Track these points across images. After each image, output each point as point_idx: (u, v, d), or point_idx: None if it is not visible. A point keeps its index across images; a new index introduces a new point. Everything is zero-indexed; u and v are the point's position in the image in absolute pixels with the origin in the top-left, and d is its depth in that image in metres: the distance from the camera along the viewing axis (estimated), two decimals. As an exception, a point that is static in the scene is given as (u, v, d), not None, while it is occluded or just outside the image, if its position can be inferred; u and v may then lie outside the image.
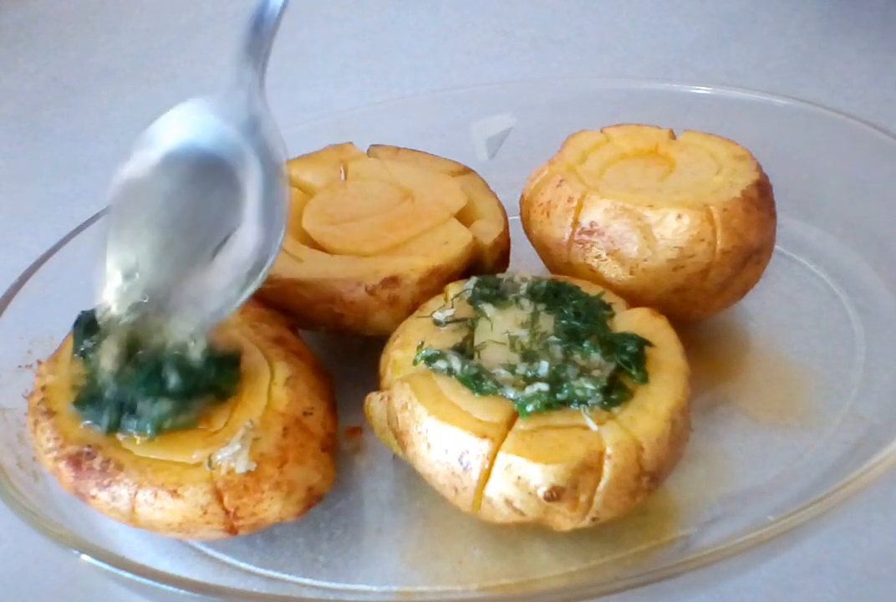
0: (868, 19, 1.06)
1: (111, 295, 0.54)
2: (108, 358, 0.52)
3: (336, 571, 0.53)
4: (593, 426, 0.48)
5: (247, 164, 0.54)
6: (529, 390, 0.49)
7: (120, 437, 0.51)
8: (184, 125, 0.56)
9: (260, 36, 0.56)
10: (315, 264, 0.61)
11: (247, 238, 0.53)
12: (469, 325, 0.55)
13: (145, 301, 0.53)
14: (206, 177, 0.55)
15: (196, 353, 0.52)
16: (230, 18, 1.17)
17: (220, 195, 0.54)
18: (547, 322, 0.54)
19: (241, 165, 0.54)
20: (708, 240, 0.58)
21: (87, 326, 0.56)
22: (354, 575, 0.53)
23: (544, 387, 0.49)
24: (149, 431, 0.50)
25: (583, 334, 0.52)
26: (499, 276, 0.58)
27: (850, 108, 0.74)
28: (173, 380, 0.51)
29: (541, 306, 0.55)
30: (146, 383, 0.51)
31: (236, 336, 0.56)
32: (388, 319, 0.60)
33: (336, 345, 0.67)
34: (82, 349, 0.54)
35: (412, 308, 0.59)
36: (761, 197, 0.60)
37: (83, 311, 0.57)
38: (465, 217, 0.66)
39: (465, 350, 0.53)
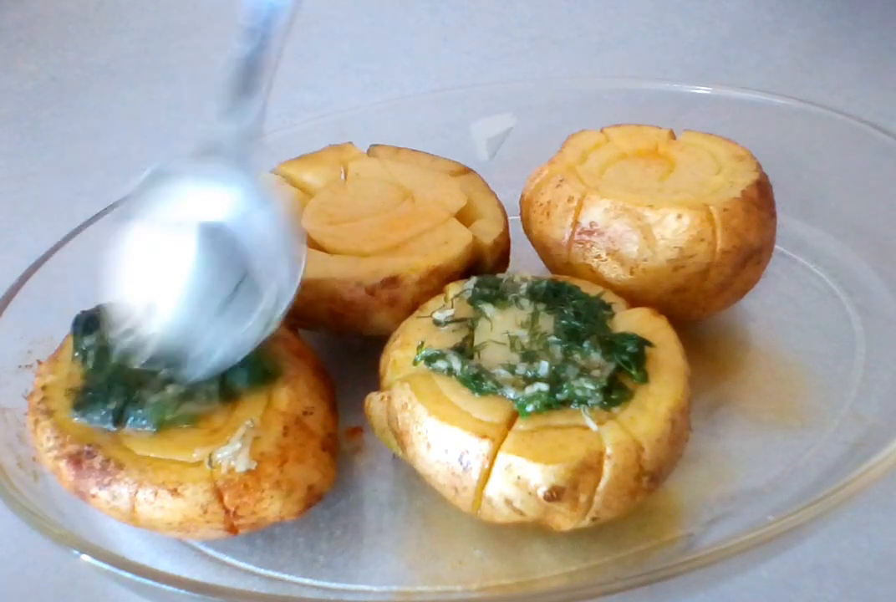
0: (868, 19, 1.06)
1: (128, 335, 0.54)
2: (122, 350, 0.53)
3: (336, 571, 0.53)
4: (593, 426, 0.48)
5: (257, 237, 0.53)
6: (529, 390, 0.49)
7: (125, 429, 0.51)
8: (183, 202, 0.53)
9: (256, 73, 0.50)
10: (315, 264, 0.61)
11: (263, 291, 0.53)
12: (469, 325, 0.55)
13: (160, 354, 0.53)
14: (213, 247, 0.53)
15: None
16: (230, 18, 1.17)
17: (226, 257, 0.53)
18: (547, 322, 0.54)
19: (250, 240, 0.53)
20: (708, 240, 0.58)
21: (87, 326, 0.56)
22: (354, 575, 0.53)
23: (544, 387, 0.49)
24: (153, 418, 0.50)
25: (583, 334, 0.52)
26: (499, 276, 0.58)
27: (850, 108, 0.74)
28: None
29: (541, 306, 0.55)
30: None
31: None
32: (388, 319, 0.60)
33: (336, 345, 0.67)
34: (83, 348, 0.55)
35: (412, 308, 0.59)
36: (761, 197, 0.60)
37: (83, 311, 0.57)
38: (465, 217, 0.66)
39: (465, 350, 0.53)
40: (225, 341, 0.52)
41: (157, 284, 0.54)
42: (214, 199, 0.53)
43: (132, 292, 0.54)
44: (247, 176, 0.53)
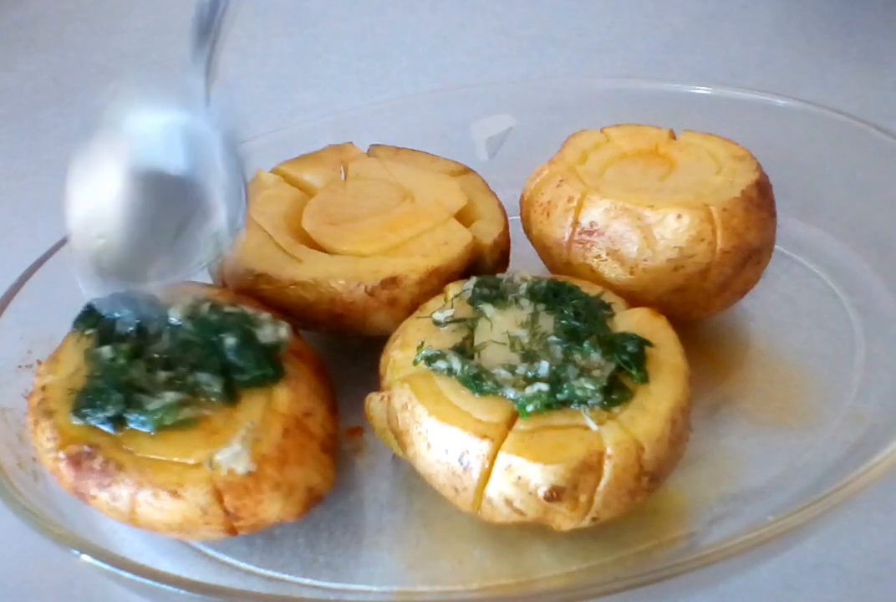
0: (868, 20, 1.06)
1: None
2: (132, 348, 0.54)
3: (336, 571, 0.53)
4: (593, 426, 0.48)
5: (209, 165, 0.56)
6: (529, 390, 0.49)
7: (129, 425, 0.51)
8: (139, 135, 0.57)
9: (205, 35, 0.58)
10: (315, 265, 0.61)
11: (212, 218, 0.56)
12: (469, 325, 0.55)
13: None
14: (165, 175, 0.57)
15: (263, 333, 0.55)
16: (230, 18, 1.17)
17: (182, 186, 0.57)
18: (547, 322, 0.54)
19: (204, 169, 0.57)
20: (708, 240, 0.58)
21: (88, 323, 0.56)
22: (354, 575, 0.53)
23: (544, 387, 0.49)
24: (152, 424, 0.50)
25: (583, 334, 0.52)
26: (499, 276, 0.58)
27: (850, 108, 0.74)
28: (230, 341, 0.53)
29: (541, 306, 0.55)
30: (204, 340, 0.54)
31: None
32: (387, 320, 0.60)
33: (336, 345, 0.67)
34: (85, 348, 0.55)
35: (412, 308, 0.59)
36: (761, 197, 0.60)
37: (84, 309, 0.57)
38: (465, 217, 0.66)
39: (465, 350, 0.53)
40: (172, 266, 0.56)
41: (109, 207, 0.57)
42: (169, 124, 0.57)
43: (90, 208, 0.57)
44: (198, 106, 0.57)
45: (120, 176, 0.57)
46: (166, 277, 0.56)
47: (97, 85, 1.14)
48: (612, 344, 0.51)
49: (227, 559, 0.54)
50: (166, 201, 0.57)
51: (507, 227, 0.66)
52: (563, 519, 0.49)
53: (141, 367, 0.53)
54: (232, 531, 0.51)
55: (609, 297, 0.57)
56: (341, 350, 0.67)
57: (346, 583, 0.53)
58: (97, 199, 0.57)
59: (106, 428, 0.51)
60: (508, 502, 0.48)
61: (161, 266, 0.56)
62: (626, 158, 0.66)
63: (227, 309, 0.56)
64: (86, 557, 0.48)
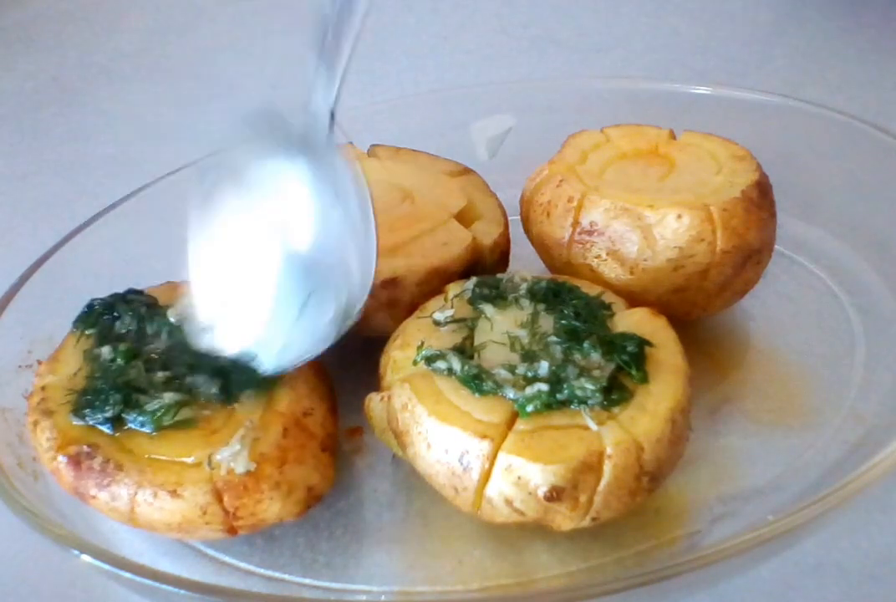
0: (868, 19, 1.06)
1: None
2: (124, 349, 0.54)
3: (336, 571, 0.53)
4: (593, 426, 0.48)
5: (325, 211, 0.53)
6: (529, 390, 0.49)
7: (128, 425, 0.51)
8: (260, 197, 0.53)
9: (332, 49, 0.50)
10: (315, 264, 0.61)
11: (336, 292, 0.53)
12: (469, 325, 0.55)
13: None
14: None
15: None
16: (230, 19, 1.17)
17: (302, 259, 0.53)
18: (547, 322, 0.54)
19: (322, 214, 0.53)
20: (708, 240, 0.58)
21: (88, 323, 0.56)
22: (354, 575, 0.53)
23: (544, 387, 0.49)
24: (158, 415, 0.50)
25: (583, 334, 0.52)
26: (499, 276, 0.58)
27: (850, 108, 0.74)
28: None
29: (541, 306, 0.55)
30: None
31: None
32: (387, 320, 0.60)
33: (336, 345, 0.67)
34: (85, 348, 0.55)
35: (412, 309, 0.59)
36: (761, 197, 0.60)
37: (84, 309, 0.57)
38: (464, 217, 0.66)
39: (465, 350, 0.53)
40: (299, 340, 0.53)
41: (228, 278, 0.54)
42: (292, 196, 0.53)
43: (203, 277, 0.55)
44: (318, 167, 0.54)
45: (243, 238, 0.53)
46: (292, 351, 0.53)
47: (97, 85, 1.15)
48: (612, 344, 0.51)
49: (227, 559, 0.54)
50: (286, 282, 0.53)
51: (507, 227, 0.66)
52: (563, 519, 0.49)
53: (140, 368, 0.53)
54: (232, 531, 0.50)
55: (609, 297, 0.57)
56: (341, 350, 0.67)
57: (346, 583, 0.53)
58: (220, 262, 0.54)
59: (105, 428, 0.51)
60: (508, 502, 0.48)
61: (282, 344, 0.53)
62: (626, 158, 0.66)
63: None
64: (86, 557, 0.48)
